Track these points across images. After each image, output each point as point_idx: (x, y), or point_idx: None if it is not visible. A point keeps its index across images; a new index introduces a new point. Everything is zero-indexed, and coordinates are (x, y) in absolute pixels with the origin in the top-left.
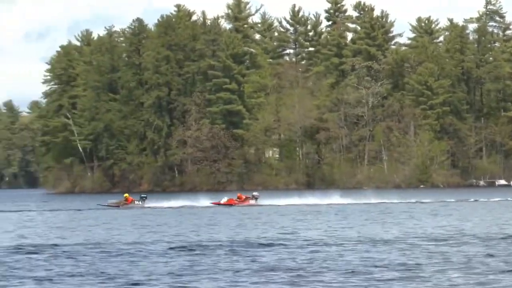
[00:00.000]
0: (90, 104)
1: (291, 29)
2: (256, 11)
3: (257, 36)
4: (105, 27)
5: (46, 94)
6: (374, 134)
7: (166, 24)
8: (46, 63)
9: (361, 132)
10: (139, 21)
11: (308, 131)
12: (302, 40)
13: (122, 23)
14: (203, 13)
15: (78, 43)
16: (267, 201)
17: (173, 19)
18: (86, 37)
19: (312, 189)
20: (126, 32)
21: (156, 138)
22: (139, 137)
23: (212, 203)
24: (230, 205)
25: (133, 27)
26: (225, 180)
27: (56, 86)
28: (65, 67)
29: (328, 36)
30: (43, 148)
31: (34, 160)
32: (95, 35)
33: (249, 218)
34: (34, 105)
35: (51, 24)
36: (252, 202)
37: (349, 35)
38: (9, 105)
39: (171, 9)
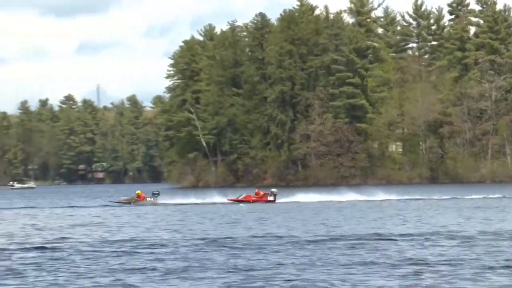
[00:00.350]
0: (214, 99)
1: (414, 23)
2: (379, 5)
3: (380, 30)
4: (228, 22)
5: (169, 89)
6: (497, 128)
7: (289, 18)
8: (169, 58)
9: (484, 126)
10: (262, 15)
11: (432, 125)
12: (425, 34)
13: (245, 18)
14: (326, 7)
15: (201, 38)
16: (287, 198)
17: (296, 14)
18: (209, 31)
19: (436, 184)
20: (249, 26)
21: (280, 132)
22: (262, 132)
23: (229, 199)
24: (248, 201)
25: (256, 21)
26: (348, 174)
27: (179, 81)
28: (188, 62)
29: (451, 30)
30: (166, 143)
31: (158, 154)
32: (218, 30)
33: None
34: (158, 99)
35: (174, 19)
36: (270, 198)
37: (472, 29)
38: (133, 100)
39: (294, 4)
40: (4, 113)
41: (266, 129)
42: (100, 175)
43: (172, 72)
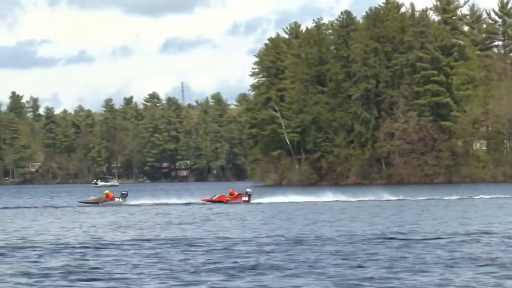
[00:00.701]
0: (298, 97)
1: (500, 21)
2: (465, 3)
3: (466, 28)
4: (313, 20)
5: (254, 87)
6: None
7: (375, 16)
8: (254, 55)
9: None
10: (347, 13)
11: None
12: (510, 32)
13: (330, 16)
14: (412, 5)
15: (286, 36)
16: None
17: (382, 11)
18: (294, 29)
19: None
20: (334, 24)
21: (364, 130)
22: (346, 130)
23: (203, 200)
24: (221, 202)
25: (341, 19)
26: (432, 172)
27: (264, 78)
28: (273, 59)
29: None
30: (250, 141)
31: (242, 152)
32: (303, 28)
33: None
34: (242, 97)
35: (259, 17)
36: (244, 199)
37: None
38: (217, 98)
39: (379, 1)
40: (89, 111)
41: (350, 127)
42: (184, 173)
43: (256, 70)
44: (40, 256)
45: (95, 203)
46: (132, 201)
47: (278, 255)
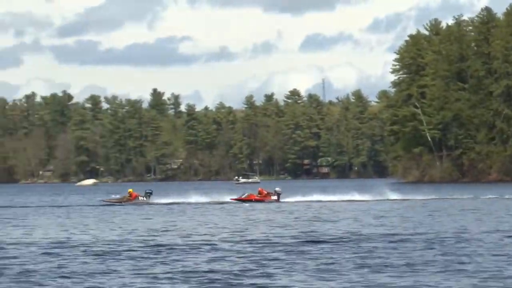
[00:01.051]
0: (439, 94)
1: None
2: None
3: None
4: (453, 16)
5: (394, 84)
6: None
7: None
8: (395, 52)
9: None
10: (488, 10)
11: None
12: None
13: (470, 13)
14: None
15: (426, 32)
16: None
17: None
18: (434, 26)
19: None
20: (475, 21)
21: (505, 127)
22: (488, 127)
23: (232, 199)
24: (250, 200)
25: (481, 16)
26: None
27: (404, 75)
28: (414, 56)
29: None
30: (392, 138)
31: (383, 149)
32: (443, 25)
33: None
34: (383, 94)
35: (399, 13)
36: (274, 198)
37: None
38: (357, 95)
39: None
40: (230, 108)
41: (491, 124)
42: (325, 170)
43: (397, 66)
44: None
45: (119, 202)
46: (157, 200)
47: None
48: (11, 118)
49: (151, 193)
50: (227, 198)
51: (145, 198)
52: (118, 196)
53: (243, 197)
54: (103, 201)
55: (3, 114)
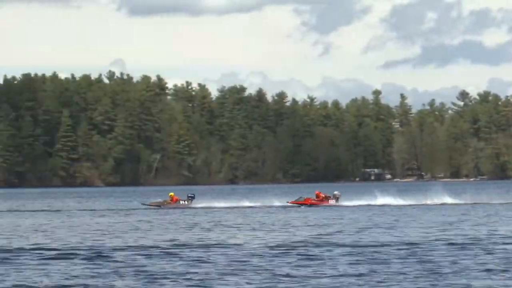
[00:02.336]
0: None
1: None
2: None
3: None
4: None
5: None
6: None
7: None
8: None
9: None
10: None
11: None
12: None
13: None
14: None
15: None
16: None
17: None
18: None
19: None
20: None
21: None
22: None
23: (289, 202)
24: (306, 204)
25: None
26: None
27: None
28: None
29: None
30: None
31: None
32: None
33: None
34: None
35: None
36: (331, 202)
37: None
38: None
39: None
40: None
41: None
42: None
43: None
44: None
45: (158, 206)
46: (200, 203)
47: None
48: (504, 114)
49: (193, 197)
50: (277, 202)
51: (186, 202)
52: (159, 199)
53: (300, 200)
54: (143, 204)
55: (496, 110)
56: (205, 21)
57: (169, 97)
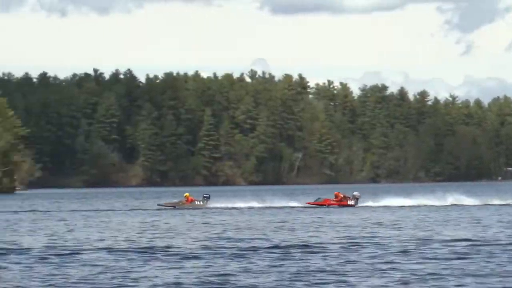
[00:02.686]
0: None
1: None
2: None
3: None
4: None
5: None
6: None
7: None
8: None
9: None
10: None
11: None
12: None
13: None
14: None
15: None
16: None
17: None
18: None
19: None
20: None
21: None
22: None
23: (308, 203)
24: (325, 205)
25: None
26: None
27: None
28: None
29: None
30: None
31: None
32: None
33: None
34: None
35: None
36: (351, 203)
37: None
38: None
39: None
40: None
41: None
42: None
43: None
44: None
45: (172, 206)
46: (214, 204)
47: None
48: None
49: (208, 197)
50: (291, 203)
51: (202, 202)
52: (175, 200)
53: (318, 201)
54: (159, 205)
55: None
56: (347, 20)
57: (310, 96)
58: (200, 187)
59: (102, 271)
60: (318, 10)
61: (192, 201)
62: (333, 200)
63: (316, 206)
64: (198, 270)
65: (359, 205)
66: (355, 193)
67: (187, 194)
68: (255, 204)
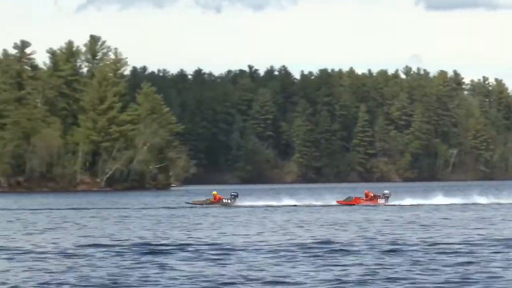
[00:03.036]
0: None
1: None
2: None
3: None
4: None
5: None
6: None
7: None
8: None
9: None
10: None
11: None
12: None
13: None
14: None
15: None
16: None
17: None
18: None
19: None
20: None
21: None
22: None
23: (338, 201)
24: (353, 204)
25: None
26: None
27: None
28: None
29: None
30: None
31: None
32: None
33: None
34: None
35: None
36: (381, 201)
37: None
38: None
39: None
40: None
41: None
42: None
43: None
44: None
45: (200, 204)
46: (242, 202)
47: None
48: None
49: (236, 196)
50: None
51: (229, 201)
52: (203, 198)
53: (348, 200)
54: (187, 203)
55: None
56: (503, 16)
57: (465, 92)
58: (354, 183)
59: None
60: (474, 6)
61: (220, 199)
62: (363, 199)
63: (347, 205)
64: None
65: (389, 203)
66: (385, 191)
67: (215, 192)
68: (287, 202)
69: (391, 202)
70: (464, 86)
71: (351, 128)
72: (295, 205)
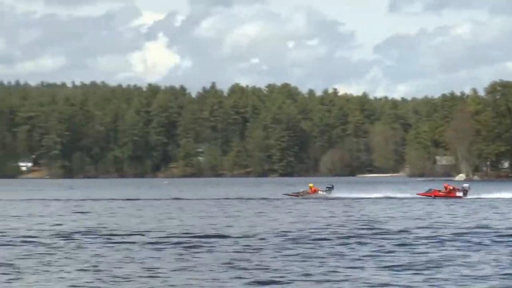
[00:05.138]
0: None
1: None
2: None
3: None
4: None
5: None
6: None
7: None
8: None
9: None
10: None
11: None
12: None
13: None
14: None
15: None
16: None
17: None
18: None
19: None
20: None
21: None
22: None
23: (418, 194)
24: (433, 196)
25: None
26: None
27: None
28: None
29: None
30: None
31: None
32: None
33: None
34: None
35: None
36: (459, 194)
37: None
38: None
39: None
40: None
41: None
42: None
43: None
44: None
45: (296, 195)
46: (337, 194)
47: None
48: None
49: (332, 188)
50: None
51: (325, 193)
52: (300, 190)
53: (427, 192)
54: (285, 194)
55: None
56: None
57: None
58: None
59: None
60: None
61: (315, 191)
62: (442, 192)
63: (427, 197)
64: None
65: (468, 197)
66: (464, 185)
67: (311, 184)
68: (377, 195)
69: (469, 196)
70: None
71: None
72: (389, 197)
